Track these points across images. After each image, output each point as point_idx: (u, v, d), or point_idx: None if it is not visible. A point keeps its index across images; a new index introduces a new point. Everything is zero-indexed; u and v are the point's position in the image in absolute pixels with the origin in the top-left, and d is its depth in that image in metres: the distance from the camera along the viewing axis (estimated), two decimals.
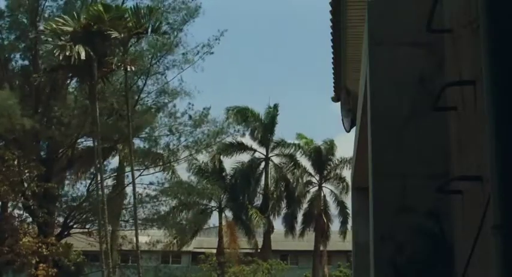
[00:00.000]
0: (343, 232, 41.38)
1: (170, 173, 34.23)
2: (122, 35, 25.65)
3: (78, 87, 29.28)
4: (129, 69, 26.83)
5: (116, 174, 33.16)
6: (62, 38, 25.12)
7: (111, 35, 25.20)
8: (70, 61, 24.73)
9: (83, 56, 24.18)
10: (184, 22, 30.43)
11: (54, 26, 25.25)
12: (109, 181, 33.03)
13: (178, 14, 30.38)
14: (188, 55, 30.84)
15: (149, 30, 26.79)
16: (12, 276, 28.14)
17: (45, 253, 24.14)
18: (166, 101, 32.17)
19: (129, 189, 33.81)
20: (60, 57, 24.87)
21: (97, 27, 24.90)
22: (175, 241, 37.17)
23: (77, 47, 24.35)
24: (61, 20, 25.66)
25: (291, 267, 41.98)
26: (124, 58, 26.22)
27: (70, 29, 25.21)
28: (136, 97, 31.06)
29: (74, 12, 26.66)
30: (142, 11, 26.64)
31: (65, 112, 28.24)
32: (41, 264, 24.37)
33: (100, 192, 27.06)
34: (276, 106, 42.27)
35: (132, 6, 27.00)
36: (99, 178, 27.08)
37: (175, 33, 30.11)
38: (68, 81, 30.84)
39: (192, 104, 32.28)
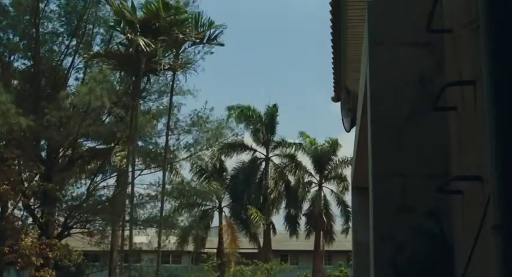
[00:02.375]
0: (345, 232, 41.33)
1: (172, 174, 34.24)
2: (179, 37, 26.07)
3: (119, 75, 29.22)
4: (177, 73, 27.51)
5: (116, 174, 33.17)
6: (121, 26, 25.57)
7: (165, 34, 25.51)
8: (117, 50, 25.04)
9: (152, 45, 24.54)
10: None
11: (123, 9, 25.56)
12: (109, 182, 33.07)
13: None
14: (190, 54, 30.90)
15: (205, 39, 27.46)
16: (14, 276, 28.12)
17: (50, 255, 24.11)
18: (167, 100, 32.21)
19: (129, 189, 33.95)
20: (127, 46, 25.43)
21: (155, 24, 25.20)
22: (176, 242, 37.23)
23: (139, 38, 24.71)
24: (125, 9, 26.04)
25: (291, 266, 41.95)
26: (176, 60, 26.68)
27: (131, 19, 25.52)
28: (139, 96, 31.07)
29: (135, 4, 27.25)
30: (202, 20, 27.44)
31: (64, 112, 28.22)
32: (46, 267, 24.36)
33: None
34: (275, 106, 42.26)
35: (195, 14, 27.62)
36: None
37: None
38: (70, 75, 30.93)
39: (194, 108, 32.45)
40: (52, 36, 30.53)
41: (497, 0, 2.20)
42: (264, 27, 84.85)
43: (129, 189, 31.70)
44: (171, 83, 31.63)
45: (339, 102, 9.87)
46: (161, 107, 32.37)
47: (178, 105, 32.23)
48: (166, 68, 27.25)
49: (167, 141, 29.67)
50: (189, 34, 26.41)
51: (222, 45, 29.24)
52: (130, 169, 27.97)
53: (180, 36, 25.87)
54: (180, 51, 28.02)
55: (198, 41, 27.43)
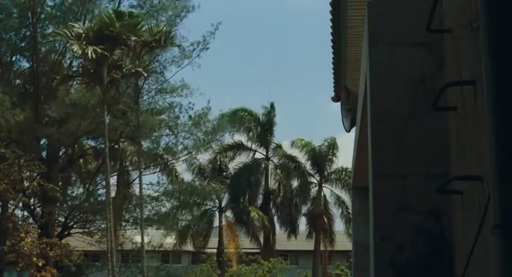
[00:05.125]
0: (345, 232, 41.36)
1: (172, 175, 34.27)
2: (137, 42, 26.38)
3: (86, 88, 29.31)
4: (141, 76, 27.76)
5: (116, 174, 33.21)
6: (73, 40, 25.67)
7: (122, 41, 25.74)
8: (85, 66, 25.27)
9: (99, 50, 24.63)
10: (179, 17, 30.74)
11: (67, 32, 25.79)
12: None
13: (172, 10, 30.62)
14: (186, 51, 31.02)
15: (162, 42, 27.86)
16: (15, 276, 28.09)
17: (51, 254, 24.07)
18: (166, 100, 32.25)
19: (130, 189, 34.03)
20: (75, 54, 25.54)
21: (108, 33, 25.35)
22: (176, 242, 37.27)
23: (90, 47, 24.81)
24: (75, 25, 26.31)
25: (291, 266, 41.96)
26: (136, 65, 26.98)
27: (81, 31, 25.66)
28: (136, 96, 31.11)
29: (88, 18, 27.49)
30: (157, 29, 28.10)
31: (64, 110, 28.22)
32: (48, 267, 24.33)
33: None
34: (272, 105, 42.19)
35: (148, 25, 28.12)
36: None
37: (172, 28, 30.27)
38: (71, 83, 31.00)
39: (192, 104, 32.34)
40: (51, 36, 30.53)
41: (497, 0, 2.20)
42: (264, 27, 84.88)
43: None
44: (166, 82, 31.85)
45: (339, 102, 9.87)
46: (158, 107, 32.37)
47: (177, 105, 32.25)
48: (130, 73, 27.55)
49: (140, 140, 29.66)
50: (145, 38, 26.83)
51: (179, 46, 30.22)
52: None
53: (135, 40, 26.29)
54: (142, 56, 28.46)
55: (155, 44, 27.90)
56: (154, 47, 28.33)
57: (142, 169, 31.12)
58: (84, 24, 28.82)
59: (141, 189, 29.06)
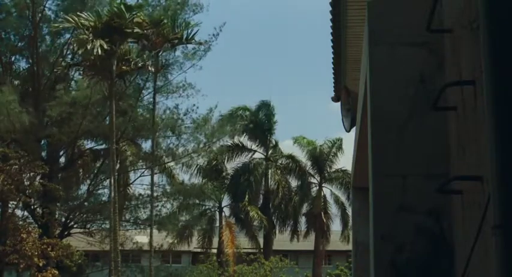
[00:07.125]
0: (343, 233, 41.39)
1: (170, 176, 34.29)
2: (157, 38, 26.21)
3: (92, 81, 29.05)
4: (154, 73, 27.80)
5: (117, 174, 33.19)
6: (82, 32, 25.41)
7: (131, 34, 25.54)
8: (89, 57, 25.09)
9: (105, 46, 24.39)
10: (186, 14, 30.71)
11: (76, 19, 25.36)
12: (108, 182, 33.03)
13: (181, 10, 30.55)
14: (189, 53, 30.91)
15: (183, 39, 27.59)
16: (15, 276, 28.09)
17: (52, 255, 24.07)
18: (168, 100, 32.28)
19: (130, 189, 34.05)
20: (80, 51, 25.30)
21: (117, 25, 25.12)
22: (174, 241, 37.30)
23: (98, 41, 24.50)
24: (83, 15, 25.92)
25: (291, 263, 41.96)
26: (152, 61, 26.90)
27: (91, 23, 25.33)
28: (138, 96, 31.10)
29: (98, 9, 27.17)
30: (178, 22, 27.75)
31: (64, 109, 28.18)
32: (49, 267, 24.34)
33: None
34: (265, 104, 42.10)
35: (170, 18, 27.76)
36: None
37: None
38: (72, 74, 30.95)
39: (197, 107, 32.42)
40: (51, 35, 30.53)
41: (497, 0, 2.20)
42: (264, 27, 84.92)
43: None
44: (168, 82, 31.74)
45: (339, 102, 9.87)
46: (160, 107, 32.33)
47: (176, 105, 32.28)
48: (137, 67, 27.40)
49: (153, 139, 29.57)
50: (166, 35, 26.60)
51: (201, 44, 29.63)
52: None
53: (157, 35, 26.03)
54: (161, 52, 28.15)
55: (176, 41, 27.59)
56: (176, 44, 28.09)
57: (143, 169, 31.15)
58: None
59: (152, 189, 29.03)
